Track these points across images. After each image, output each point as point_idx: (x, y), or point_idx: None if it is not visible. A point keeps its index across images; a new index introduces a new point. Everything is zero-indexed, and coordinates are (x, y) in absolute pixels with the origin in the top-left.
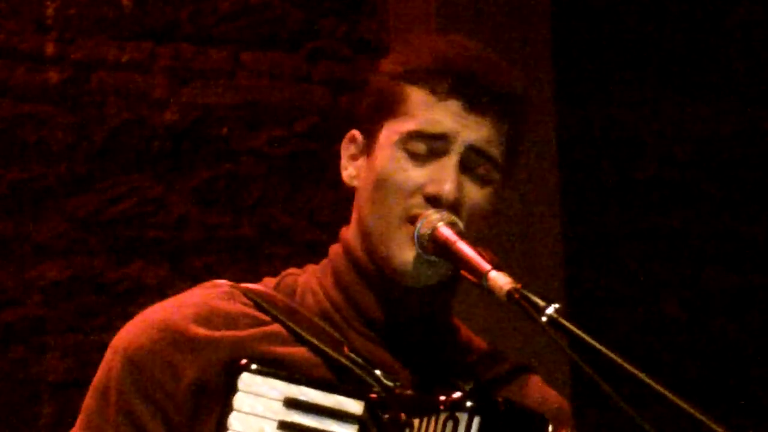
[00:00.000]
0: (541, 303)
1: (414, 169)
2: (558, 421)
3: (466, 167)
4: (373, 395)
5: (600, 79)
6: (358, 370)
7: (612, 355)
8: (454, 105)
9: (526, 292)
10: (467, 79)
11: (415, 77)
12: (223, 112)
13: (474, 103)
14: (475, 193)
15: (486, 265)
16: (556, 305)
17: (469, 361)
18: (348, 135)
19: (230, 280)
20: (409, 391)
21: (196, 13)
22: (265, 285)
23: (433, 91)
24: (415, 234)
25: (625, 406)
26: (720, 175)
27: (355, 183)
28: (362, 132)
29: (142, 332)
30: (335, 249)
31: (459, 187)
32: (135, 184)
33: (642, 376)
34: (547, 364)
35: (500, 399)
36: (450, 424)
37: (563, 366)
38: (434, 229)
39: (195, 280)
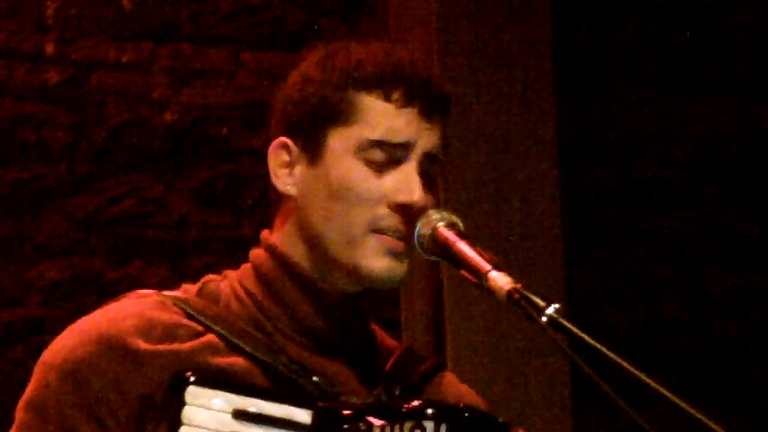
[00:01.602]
0: (541, 303)
1: (375, 179)
2: None
3: (421, 172)
4: (322, 404)
5: (600, 79)
6: (296, 377)
7: (612, 355)
8: (410, 113)
9: (526, 292)
10: (421, 86)
11: (364, 84)
12: (223, 112)
13: (427, 110)
14: (428, 197)
15: (486, 265)
16: (556, 305)
17: (392, 364)
18: (276, 142)
19: None
20: (355, 399)
21: (196, 13)
22: (186, 291)
23: (389, 99)
24: (415, 234)
25: (625, 406)
26: (720, 175)
27: (292, 192)
28: (296, 139)
29: (79, 346)
30: (259, 254)
31: (425, 193)
32: (135, 184)
33: (642, 376)
34: (547, 364)
35: (461, 405)
36: None
37: (563, 366)
38: (434, 229)
39: (195, 280)
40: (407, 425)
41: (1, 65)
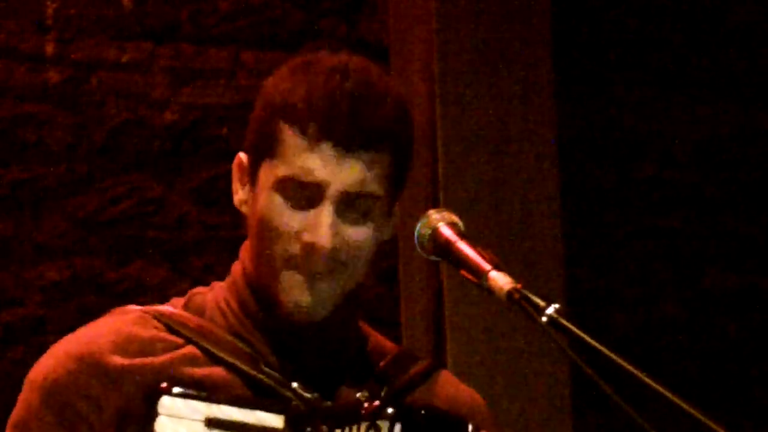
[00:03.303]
0: (541, 303)
1: (290, 215)
2: (474, 419)
3: (343, 209)
4: (294, 409)
5: (600, 79)
6: (275, 385)
7: (612, 355)
8: (325, 150)
9: (526, 292)
10: (338, 121)
11: (286, 115)
12: (223, 112)
13: (346, 147)
14: (354, 233)
15: (486, 265)
16: (556, 305)
17: (382, 366)
18: (237, 158)
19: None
20: (328, 403)
21: (196, 13)
22: (174, 305)
23: (304, 134)
24: (415, 234)
25: (625, 406)
26: (720, 175)
27: (244, 210)
28: (247, 159)
29: (59, 365)
30: (237, 268)
31: (335, 234)
32: (135, 184)
33: (642, 376)
34: (547, 364)
35: (419, 405)
36: None
37: (563, 366)
38: (434, 229)
39: (195, 280)
40: (363, 425)
41: (1, 65)
